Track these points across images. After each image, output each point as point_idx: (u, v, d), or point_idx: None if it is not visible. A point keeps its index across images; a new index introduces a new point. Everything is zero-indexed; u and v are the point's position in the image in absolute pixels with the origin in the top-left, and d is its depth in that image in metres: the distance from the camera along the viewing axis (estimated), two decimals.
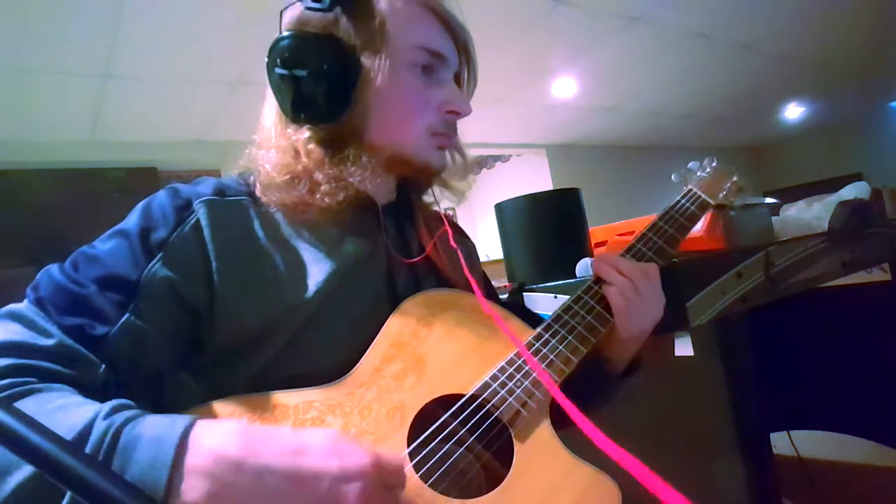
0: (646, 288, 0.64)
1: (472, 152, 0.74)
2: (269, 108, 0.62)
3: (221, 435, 0.39)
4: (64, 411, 0.39)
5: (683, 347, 0.95)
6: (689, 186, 0.82)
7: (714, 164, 0.87)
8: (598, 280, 0.67)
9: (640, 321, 0.64)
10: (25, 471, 0.36)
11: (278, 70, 0.57)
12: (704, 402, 1.32)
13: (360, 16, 0.58)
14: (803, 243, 1.25)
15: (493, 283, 0.85)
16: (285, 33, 0.57)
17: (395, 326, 0.58)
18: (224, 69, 2.65)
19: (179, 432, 0.38)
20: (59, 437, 0.32)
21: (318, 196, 0.57)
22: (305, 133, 0.59)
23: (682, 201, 0.79)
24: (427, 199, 0.73)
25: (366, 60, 0.58)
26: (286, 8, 0.60)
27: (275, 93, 0.59)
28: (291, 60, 0.56)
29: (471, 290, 0.65)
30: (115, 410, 0.39)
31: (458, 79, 0.67)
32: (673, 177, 0.86)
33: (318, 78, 0.56)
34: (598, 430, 0.42)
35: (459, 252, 0.65)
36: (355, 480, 0.39)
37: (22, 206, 3.01)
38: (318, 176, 0.58)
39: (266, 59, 0.58)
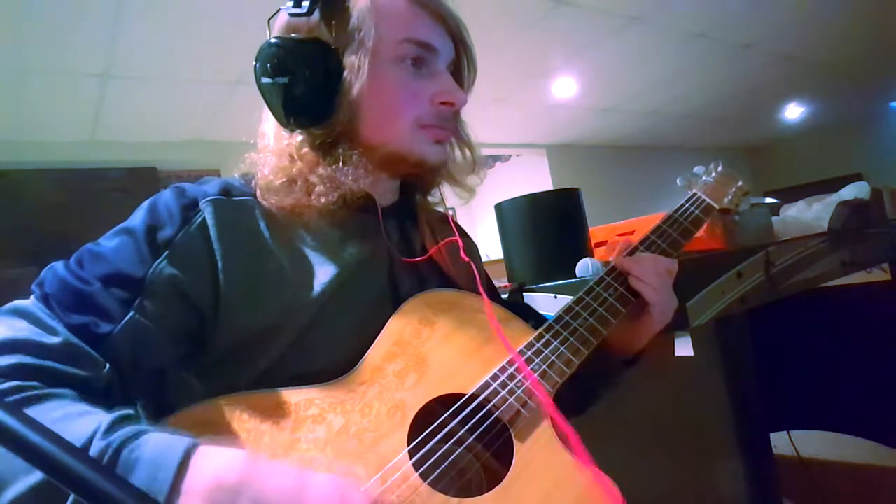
0: (668, 283, 0.67)
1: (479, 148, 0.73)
2: (267, 113, 0.63)
3: (224, 461, 0.38)
4: (63, 424, 0.39)
5: (683, 347, 0.95)
6: (695, 190, 0.82)
7: (720, 168, 0.87)
8: (608, 274, 0.67)
9: (665, 315, 0.67)
10: (22, 484, 0.36)
11: (263, 79, 0.57)
12: (704, 401, 1.32)
13: (339, 17, 0.57)
14: (803, 243, 1.25)
15: (493, 283, 0.85)
16: (268, 41, 0.57)
17: (398, 325, 0.58)
18: (224, 69, 2.66)
19: (179, 456, 0.37)
20: (66, 443, 0.32)
21: (313, 197, 0.57)
22: (299, 137, 0.59)
23: (687, 205, 0.78)
24: (433, 199, 0.73)
25: (349, 61, 0.57)
26: (272, 16, 0.60)
27: (265, 100, 0.59)
28: (274, 68, 0.56)
29: (474, 291, 0.65)
30: (113, 426, 0.39)
31: (457, 69, 0.66)
32: (678, 180, 0.86)
33: (300, 83, 0.56)
34: (584, 451, 0.43)
35: (474, 266, 0.64)
36: None
37: (22, 206, 3.01)
38: (313, 178, 0.58)
39: (254, 67, 0.58)
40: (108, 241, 0.53)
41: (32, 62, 2.31)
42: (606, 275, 0.68)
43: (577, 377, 0.66)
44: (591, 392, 0.71)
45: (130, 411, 0.42)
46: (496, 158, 5.58)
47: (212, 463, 0.38)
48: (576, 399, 0.71)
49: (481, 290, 0.61)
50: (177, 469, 0.36)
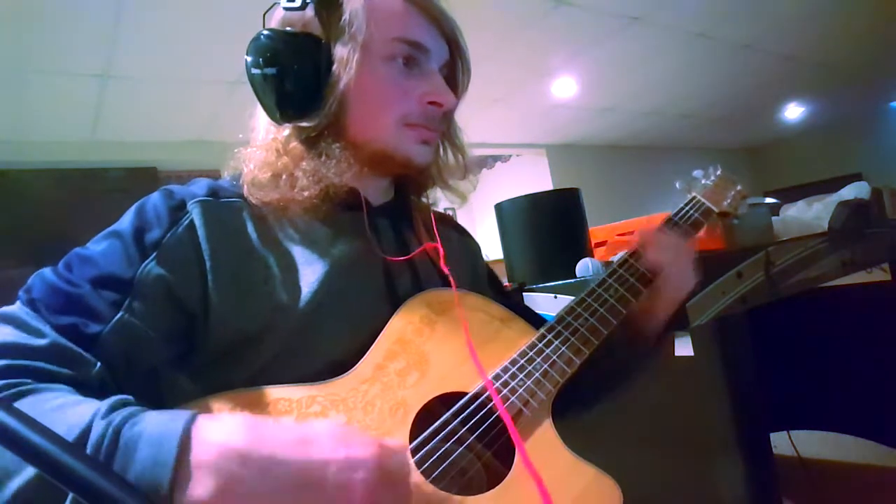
0: (688, 259, 0.69)
1: (472, 152, 0.72)
2: (259, 108, 0.63)
3: (225, 428, 0.38)
4: (62, 411, 0.39)
5: (683, 347, 0.95)
6: (694, 194, 0.82)
7: (719, 172, 0.88)
8: (610, 276, 0.68)
9: (680, 288, 0.69)
10: (25, 475, 0.36)
11: (253, 70, 0.57)
12: (704, 401, 1.32)
13: (332, 12, 0.58)
14: (803, 243, 1.25)
15: (498, 280, 0.84)
16: (259, 33, 0.57)
17: (399, 324, 0.58)
18: (224, 69, 2.65)
19: (181, 428, 0.37)
20: (60, 438, 0.32)
21: (296, 191, 0.57)
22: (286, 131, 0.60)
23: (687, 209, 0.79)
24: (427, 200, 0.72)
25: (338, 55, 0.57)
26: (268, 10, 0.61)
27: (254, 92, 0.59)
28: (264, 59, 0.56)
29: (473, 290, 0.65)
30: (113, 408, 0.39)
31: (450, 71, 0.66)
32: (677, 184, 0.87)
33: (288, 76, 0.56)
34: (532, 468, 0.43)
35: (451, 276, 0.63)
36: (361, 468, 0.39)
37: (22, 206, 3.01)
38: (297, 172, 0.58)
39: (245, 60, 0.58)
40: (97, 245, 0.52)
41: (32, 62, 2.31)
42: (608, 276, 0.68)
43: (610, 357, 0.66)
44: (619, 375, 0.72)
45: (128, 396, 0.42)
46: (496, 158, 5.58)
47: (215, 431, 0.38)
48: (602, 383, 0.72)
49: (457, 297, 0.61)
50: (180, 440, 0.36)
